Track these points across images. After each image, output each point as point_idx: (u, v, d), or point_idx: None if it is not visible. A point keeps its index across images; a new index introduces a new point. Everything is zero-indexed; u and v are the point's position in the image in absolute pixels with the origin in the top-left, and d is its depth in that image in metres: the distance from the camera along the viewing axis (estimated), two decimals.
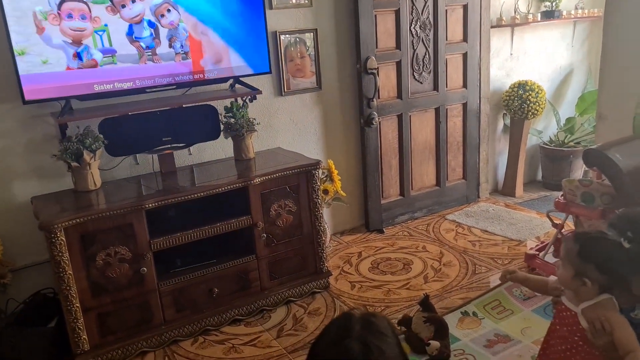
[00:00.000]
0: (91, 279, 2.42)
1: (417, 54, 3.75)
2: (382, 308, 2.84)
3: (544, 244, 3.18)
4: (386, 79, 3.69)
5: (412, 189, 3.97)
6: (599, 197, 2.71)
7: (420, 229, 3.81)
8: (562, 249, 1.60)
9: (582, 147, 4.36)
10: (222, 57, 2.91)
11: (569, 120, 4.49)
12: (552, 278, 1.81)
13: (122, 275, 2.48)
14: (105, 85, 2.63)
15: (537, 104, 4.09)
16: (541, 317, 2.60)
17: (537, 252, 3.04)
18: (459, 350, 2.42)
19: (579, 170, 4.44)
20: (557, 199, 2.95)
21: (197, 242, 2.65)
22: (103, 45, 2.57)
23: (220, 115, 3.04)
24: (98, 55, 2.57)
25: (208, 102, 2.96)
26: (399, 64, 3.70)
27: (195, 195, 2.61)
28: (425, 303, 2.53)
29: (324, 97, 3.57)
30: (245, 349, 2.59)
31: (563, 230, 3.08)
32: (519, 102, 4.09)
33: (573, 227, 3.14)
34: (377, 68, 3.54)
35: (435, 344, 2.33)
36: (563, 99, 4.66)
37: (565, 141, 4.47)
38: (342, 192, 3.47)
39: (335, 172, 3.44)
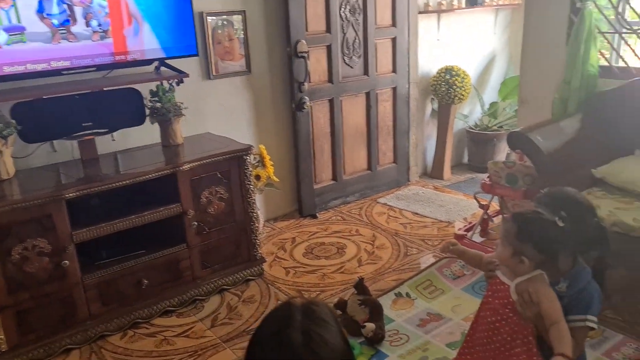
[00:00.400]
0: (7, 274, 2.25)
1: (347, 38, 3.74)
2: (318, 293, 2.83)
3: (471, 224, 3.28)
4: (317, 63, 3.66)
5: (344, 174, 3.98)
6: (522, 178, 2.83)
7: (353, 213, 3.83)
8: (501, 229, 1.63)
9: (505, 131, 4.53)
10: (145, 38, 2.77)
11: (492, 105, 4.65)
12: (479, 253, 1.85)
13: (41, 269, 2.32)
14: (16, 66, 2.43)
15: (462, 89, 4.20)
16: (470, 295, 2.69)
17: (465, 233, 3.13)
18: (394, 331, 2.45)
19: (502, 152, 4.62)
20: (483, 181, 3.04)
21: (124, 232, 2.53)
22: (10, 22, 2.37)
23: (145, 100, 2.90)
24: (2, 36, 2.37)
25: (132, 86, 2.82)
26: (329, 48, 3.68)
27: (120, 183, 2.48)
28: (360, 286, 2.54)
29: (254, 81, 3.49)
30: (177, 340, 2.51)
31: (489, 211, 3.20)
32: (446, 87, 4.19)
33: (498, 208, 3.27)
34: (308, 52, 3.50)
35: (370, 325, 2.35)
36: (486, 84, 4.81)
37: (489, 125, 4.63)
38: (274, 177, 3.42)
39: (267, 157, 3.38)
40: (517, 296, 1.60)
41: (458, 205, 3.82)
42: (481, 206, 3.21)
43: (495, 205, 3.28)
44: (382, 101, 4.05)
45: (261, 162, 3.40)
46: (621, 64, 3.05)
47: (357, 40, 3.79)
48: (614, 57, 3.15)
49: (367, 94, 3.95)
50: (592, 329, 1.64)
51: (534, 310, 1.56)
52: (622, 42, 3.12)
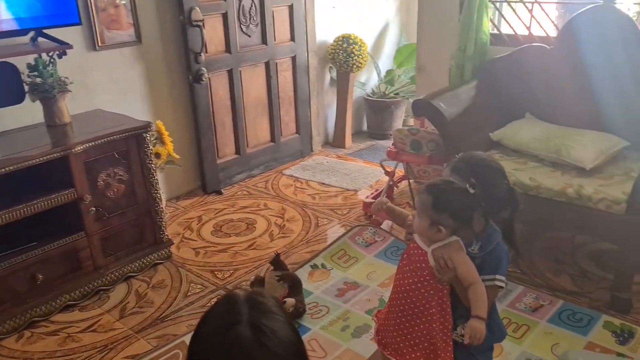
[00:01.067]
0: None
1: (243, 5, 3.59)
2: (231, 271, 2.75)
3: (377, 191, 3.35)
4: (213, 32, 3.48)
5: (247, 147, 3.88)
6: (426, 144, 2.91)
7: (259, 187, 3.76)
8: (417, 201, 1.65)
9: (402, 98, 4.66)
10: (17, 4, 2.45)
11: (388, 72, 4.74)
12: (407, 213, 1.87)
13: None
14: None
15: (360, 57, 4.23)
16: (383, 261, 2.75)
17: (373, 200, 3.18)
18: (313, 303, 2.45)
19: (399, 119, 4.75)
20: (389, 149, 3.10)
21: (13, 224, 2.27)
22: None
23: (22, 75, 2.58)
24: None
25: (5, 59, 2.50)
26: (225, 16, 3.51)
27: (2, 170, 2.21)
28: (276, 262, 2.50)
29: (146, 52, 3.25)
30: (84, 336, 2.33)
31: (393, 178, 3.28)
32: (344, 56, 4.19)
33: (403, 174, 3.35)
34: (203, 20, 3.32)
35: (290, 300, 2.32)
36: (381, 52, 4.88)
37: (386, 92, 4.73)
38: (174, 154, 3.24)
39: (166, 133, 3.19)
40: (434, 262, 1.64)
41: (362, 173, 3.87)
42: (387, 173, 3.28)
43: (400, 172, 3.36)
44: (282, 71, 3.97)
45: (159, 139, 3.19)
46: (510, 31, 3.20)
47: (253, 8, 3.65)
48: (503, 25, 3.30)
49: (267, 64, 3.84)
50: (501, 287, 1.73)
51: (450, 274, 1.61)
52: (511, 10, 3.27)
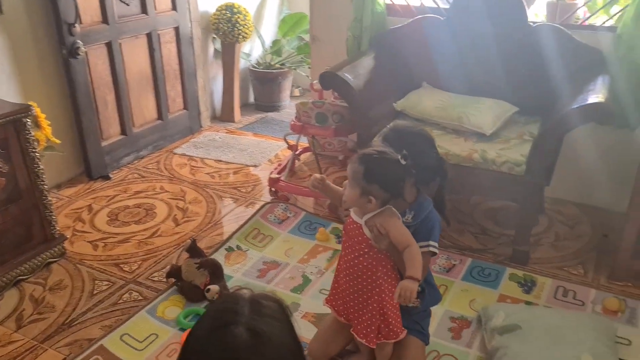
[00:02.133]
0: None
1: None
2: (139, 263, 2.56)
3: (281, 166, 3.30)
4: (86, 0, 3.13)
5: (134, 126, 3.59)
6: (331, 116, 2.91)
7: (150, 169, 3.52)
8: (348, 170, 1.64)
9: (288, 69, 4.60)
10: None
11: (275, 42, 4.64)
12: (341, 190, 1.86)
13: None
14: None
15: (245, 27, 4.09)
16: (298, 236, 2.73)
17: (279, 175, 3.14)
18: (236, 287, 2.36)
19: (287, 91, 4.71)
20: (292, 122, 3.05)
21: None
22: None
23: None
24: None
25: None
26: None
27: None
28: (192, 249, 2.37)
29: (9, 24, 2.84)
30: None
31: (297, 152, 3.24)
32: (229, 26, 4.02)
33: (304, 147, 3.34)
34: None
35: (214, 288, 2.22)
36: (263, 21, 4.76)
37: (272, 63, 4.63)
38: (54, 139, 2.89)
39: (42, 116, 2.83)
40: (369, 232, 1.66)
41: (259, 148, 3.79)
42: (290, 147, 3.24)
43: (303, 145, 3.34)
44: (166, 43, 3.70)
45: (35, 123, 2.83)
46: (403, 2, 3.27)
47: None
48: None
49: (149, 36, 3.56)
50: (434, 254, 1.80)
51: (386, 241, 1.64)
52: None
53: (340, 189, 1.82)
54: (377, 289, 1.73)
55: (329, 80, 2.61)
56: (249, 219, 2.84)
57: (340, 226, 2.81)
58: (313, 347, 1.92)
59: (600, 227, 2.78)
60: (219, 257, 2.54)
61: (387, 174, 1.61)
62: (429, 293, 1.88)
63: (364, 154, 1.63)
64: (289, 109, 4.73)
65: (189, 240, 2.39)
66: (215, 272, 2.31)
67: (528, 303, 2.25)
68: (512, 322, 1.94)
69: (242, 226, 2.78)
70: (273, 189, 3.13)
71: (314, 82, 3.24)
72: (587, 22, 3.01)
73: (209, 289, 2.22)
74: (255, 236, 2.73)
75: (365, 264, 1.71)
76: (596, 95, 2.18)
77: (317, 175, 1.80)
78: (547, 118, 2.66)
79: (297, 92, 5.08)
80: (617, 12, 3.15)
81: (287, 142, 3.26)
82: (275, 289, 2.36)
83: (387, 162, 1.61)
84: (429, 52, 2.92)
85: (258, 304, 0.95)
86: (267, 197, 3.13)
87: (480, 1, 2.77)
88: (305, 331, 2.11)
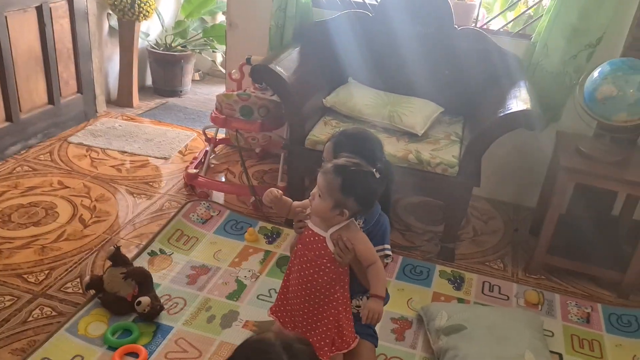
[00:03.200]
0: None
1: None
2: (47, 272, 2.26)
3: (198, 160, 3.10)
4: None
5: (21, 112, 3.16)
6: (257, 110, 2.78)
7: (43, 160, 3.12)
8: (322, 181, 1.56)
9: (192, 52, 4.34)
10: None
11: (179, 23, 4.33)
12: (290, 200, 1.77)
13: None
14: None
15: (148, 4, 3.77)
16: (225, 237, 2.59)
17: (196, 170, 2.95)
18: (165, 296, 2.18)
19: (189, 75, 4.44)
20: (213, 114, 2.87)
21: None
22: None
23: None
24: None
25: None
26: None
27: None
28: (116, 256, 2.14)
29: None
30: None
31: (213, 146, 3.07)
32: (130, 1, 3.67)
33: (220, 138, 3.16)
34: None
35: (145, 300, 2.02)
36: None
37: (173, 45, 4.33)
38: None
39: None
40: (334, 246, 1.60)
41: (166, 137, 3.53)
42: (208, 140, 3.05)
43: (220, 138, 3.17)
44: (58, 18, 3.29)
45: None
46: None
47: None
48: None
49: (39, 9, 3.13)
50: (389, 256, 1.79)
51: (350, 256, 1.59)
52: None
53: (290, 200, 1.73)
54: (334, 302, 1.67)
55: (261, 73, 2.48)
56: (171, 219, 2.63)
57: (269, 226, 2.71)
58: None
59: (510, 222, 2.98)
60: (142, 262, 2.33)
61: (364, 187, 1.54)
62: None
63: (339, 165, 1.54)
64: (191, 94, 4.49)
65: (112, 247, 2.15)
66: (144, 283, 2.11)
67: (460, 300, 2.34)
68: (457, 322, 2.00)
69: (163, 227, 2.57)
70: (190, 185, 2.94)
71: (232, 71, 3.09)
72: (488, 26, 3.16)
73: (139, 302, 2.02)
74: (179, 238, 2.54)
75: (325, 278, 1.64)
76: (523, 102, 2.29)
77: (275, 191, 1.68)
78: (470, 118, 2.78)
79: (197, 77, 4.82)
80: (514, 18, 3.38)
81: (205, 135, 3.06)
82: (209, 297, 2.21)
83: (364, 175, 1.54)
84: (355, 48, 2.89)
85: (292, 350, 0.86)
86: (185, 194, 2.93)
87: (408, 0, 2.79)
88: None
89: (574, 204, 2.79)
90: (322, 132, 2.56)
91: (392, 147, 2.48)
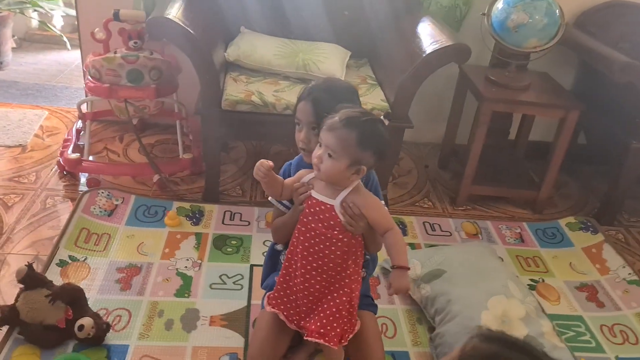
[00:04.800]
0: None
1: None
2: None
3: (72, 142, 2.56)
4: None
5: None
6: (148, 73, 2.36)
7: None
8: (333, 138, 1.33)
9: (9, 12, 3.54)
10: None
11: None
12: (280, 178, 1.51)
13: None
14: None
15: None
16: (141, 227, 2.20)
17: (78, 154, 2.43)
18: (102, 311, 1.77)
19: (8, 42, 3.65)
20: (90, 83, 2.36)
21: None
22: None
23: None
24: None
25: None
26: None
27: None
28: (30, 278, 1.66)
29: None
30: None
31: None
32: None
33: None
34: None
35: (87, 321, 1.62)
36: None
37: None
38: None
39: None
40: (343, 214, 1.41)
41: (10, 120, 2.86)
42: (82, 116, 2.52)
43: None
44: None
45: None
46: None
47: None
48: None
49: None
50: None
51: (362, 224, 1.41)
52: None
53: (281, 178, 1.49)
54: (347, 280, 1.47)
55: (162, 27, 2.07)
56: (69, 218, 2.14)
57: (187, 205, 2.37)
58: (258, 352, 1.58)
59: (418, 159, 3.02)
60: (53, 276, 1.85)
61: (380, 137, 1.37)
62: (373, 259, 1.73)
63: (350, 118, 1.34)
64: (14, 65, 3.71)
65: (24, 266, 1.66)
66: (77, 301, 1.68)
67: (411, 245, 2.30)
68: (434, 268, 1.95)
69: (64, 230, 2.07)
70: (69, 173, 2.42)
71: (95, 30, 2.57)
72: None
73: (81, 326, 1.60)
74: (87, 239, 2.08)
75: (338, 252, 1.43)
76: (446, 36, 2.26)
77: (265, 162, 1.41)
78: (376, 60, 2.70)
79: (13, 44, 3.98)
80: None
81: (80, 111, 2.52)
82: (155, 300, 1.86)
83: (376, 123, 1.37)
84: None
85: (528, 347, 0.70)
86: (66, 185, 2.41)
87: None
88: (224, 338, 1.75)
89: (472, 132, 2.91)
90: (237, 91, 2.26)
91: None
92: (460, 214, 2.58)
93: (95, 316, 1.68)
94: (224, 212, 2.36)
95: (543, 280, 2.19)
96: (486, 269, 1.96)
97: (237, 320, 1.82)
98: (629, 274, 2.24)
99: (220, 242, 2.18)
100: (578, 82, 2.90)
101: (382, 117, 1.41)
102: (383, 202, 1.57)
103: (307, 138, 1.49)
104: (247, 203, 2.47)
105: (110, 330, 1.70)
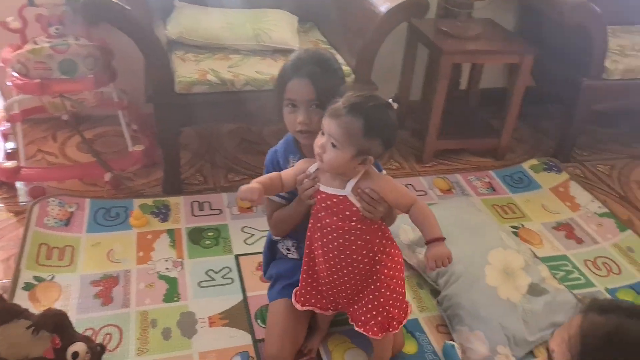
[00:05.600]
0: None
1: None
2: None
3: (11, 150, 2.27)
4: None
5: None
6: (83, 62, 2.11)
7: None
8: (336, 127, 1.19)
9: None
10: None
11: None
12: (275, 174, 1.38)
13: None
14: None
15: None
16: (105, 232, 2.01)
17: (16, 162, 2.16)
18: (88, 332, 1.60)
19: None
20: (17, 81, 2.08)
21: None
22: None
23: None
24: None
25: None
26: None
27: None
28: (3, 310, 1.45)
29: None
30: None
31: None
32: None
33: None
34: None
35: (80, 347, 1.45)
36: None
37: None
38: None
39: None
40: (359, 202, 1.30)
41: None
42: (11, 118, 2.23)
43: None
44: None
45: None
46: None
47: None
48: None
49: None
50: None
51: (382, 207, 1.30)
52: None
53: (269, 176, 1.36)
54: (378, 266, 1.37)
55: (98, 9, 1.84)
56: (24, 235, 1.90)
57: (150, 201, 2.19)
58: (278, 348, 1.50)
59: None
60: (22, 302, 1.63)
61: (388, 124, 1.24)
62: None
63: (356, 104, 1.21)
64: None
65: None
66: (62, 327, 1.49)
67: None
68: None
69: (21, 249, 1.84)
70: (3, 183, 2.16)
71: (8, 19, 2.26)
72: None
73: (76, 353, 1.43)
74: (49, 254, 1.86)
75: (360, 243, 1.33)
76: None
77: (248, 187, 1.26)
78: (322, 23, 2.59)
79: None
80: None
81: (7, 113, 2.22)
82: (144, 309, 1.70)
83: (384, 108, 1.24)
84: None
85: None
86: (7, 199, 2.14)
87: None
88: (229, 338, 1.64)
89: (427, 87, 2.89)
90: (189, 71, 2.07)
91: (276, 69, 2.08)
92: (428, 170, 2.57)
93: (86, 339, 1.50)
94: (191, 203, 2.20)
95: (523, 226, 2.23)
96: (477, 224, 1.96)
97: (238, 317, 1.71)
98: (599, 207, 2.33)
99: (197, 236, 2.03)
100: (520, 25, 2.94)
101: (390, 100, 1.29)
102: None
103: (307, 118, 1.36)
104: (212, 190, 2.32)
105: (105, 352, 1.54)
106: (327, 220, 1.33)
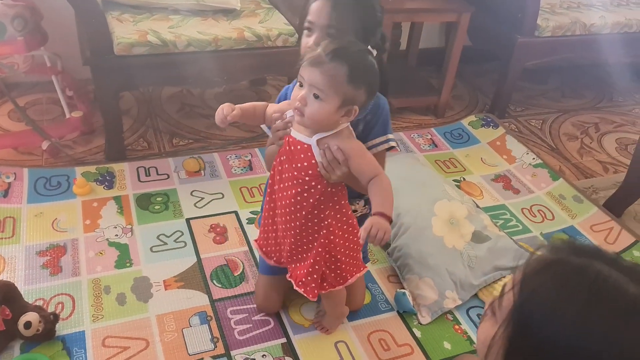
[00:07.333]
0: None
1: None
2: None
3: None
4: None
5: None
6: (11, 23, 1.99)
7: None
8: (319, 76, 1.14)
9: None
10: None
11: None
12: (262, 104, 1.33)
13: None
14: None
15: None
16: (49, 202, 1.94)
17: None
18: (39, 302, 1.56)
19: None
20: None
21: None
22: None
23: None
24: None
25: None
26: None
27: None
28: None
29: None
30: None
31: None
32: None
33: None
34: None
35: (33, 316, 1.42)
36: None
37: None
38: None
39: None
40: (321, 157, 1.24)
41: None
42: None
43: None
44: None
45: None
46: None
47: None
48: None
49: None
50: (392, 147, 1.41)
51: (341, 171, 1.24)
52: None
53: (252, 104, 1.33)
54: (324, 230, 1.34)
55: None
56: None
57: (92, 168, 2.13)
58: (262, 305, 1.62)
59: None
60: None
61: (373, 71, 1.20)
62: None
63: (339, 49, 1.15)
64: None
65: None
66: (12, 297, 1.46)
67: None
68: None
69: None
70: None
71: None
72: None
73: (28, 323, 1.40)
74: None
75: (310, 200, 1.29)
76: None
77: (226, 106, 1.25)
78: None
79: None
80: None
81: None
82: (96, 277, 1.67)
83: (367, 54, 1.21)
84: None
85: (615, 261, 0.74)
86: None
87: None
88: (186, 300, 1.65)
89: None
90: (128, 32, 2.00)
91: (220, 29, 2.12)
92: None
93: (38, 309, 1.47)
94: (137, 169, 2.15)
95: (464, 179, 2.33)
96: (422, 178, 2.03)
97: (193, 279, 1.71)
98: (533, 158, 2.46)
99: (145, 202, 1.99)
100: None
101: (369, 47, 1.27)
102: (392, 136, 1.41)
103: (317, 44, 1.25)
104: (157, 155, 2.28)
105: (61, 320, 1.51)
106: (286, 166, 1.29)
